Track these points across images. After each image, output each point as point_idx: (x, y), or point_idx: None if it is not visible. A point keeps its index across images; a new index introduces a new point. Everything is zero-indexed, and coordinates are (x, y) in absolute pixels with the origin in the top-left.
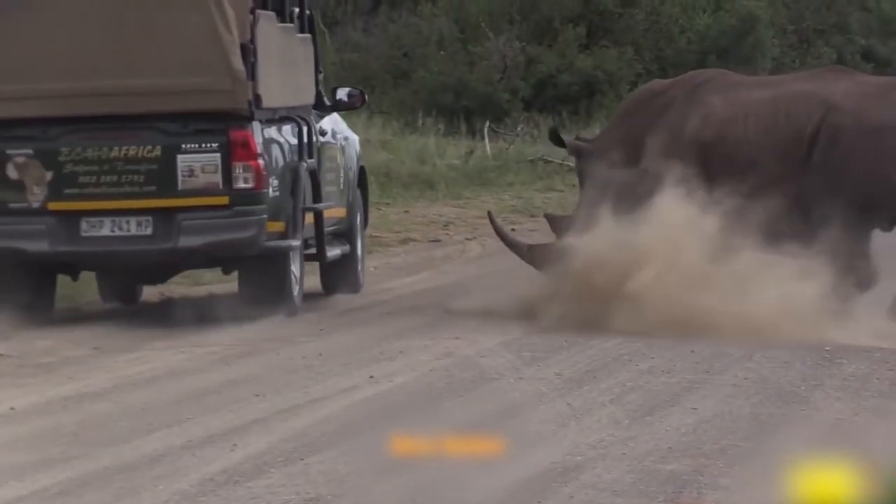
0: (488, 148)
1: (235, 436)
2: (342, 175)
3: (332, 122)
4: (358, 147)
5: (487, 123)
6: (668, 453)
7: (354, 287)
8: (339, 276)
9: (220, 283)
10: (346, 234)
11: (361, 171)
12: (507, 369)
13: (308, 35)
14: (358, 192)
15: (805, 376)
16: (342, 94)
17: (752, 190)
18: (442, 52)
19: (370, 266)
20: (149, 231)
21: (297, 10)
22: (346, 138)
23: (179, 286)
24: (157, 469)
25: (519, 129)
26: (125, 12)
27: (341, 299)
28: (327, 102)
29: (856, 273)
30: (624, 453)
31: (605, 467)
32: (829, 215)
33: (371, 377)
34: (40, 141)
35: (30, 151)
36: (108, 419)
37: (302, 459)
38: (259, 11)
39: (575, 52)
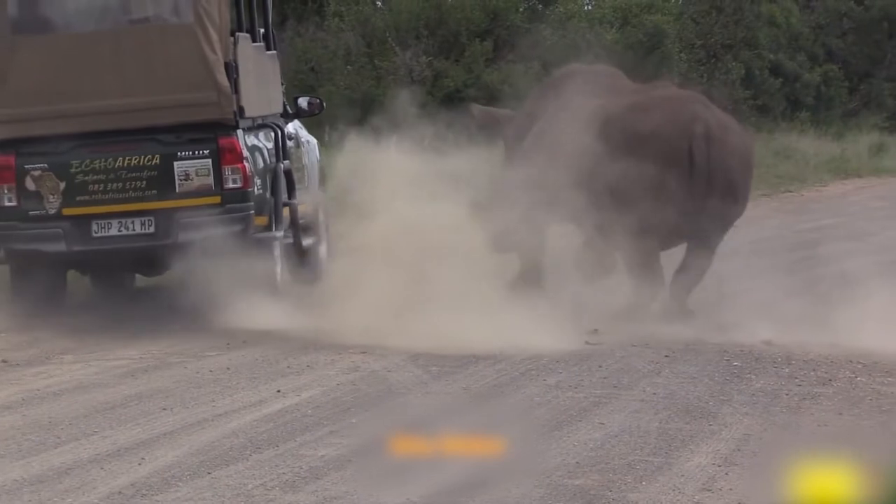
0: None
1: (143, 449)
2: (306, 174)
3: (295, 128)
4: (317, 150)
5: (394, 138)
6: (575, 468)
7: (316, 276)
8: (303, 265)
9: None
10: (311, 227)
11: (321, 170)
12: (414, 384)
13: (274, 52)
14: (319, 190)
15: (713, 392)
16: (303, 102)
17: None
18: (349, 67)
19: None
20: (151, 229)
21: (262, 30)
22: (307, 142)
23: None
24: (66, 482)
25: (426, 143)
26: (124, 40)
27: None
28: (290, 110)
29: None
30: (532, 468)
31: (513, 482)
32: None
33: (278, 391)
34: (54, 156)
35: (45, 165)
36: (16, 432)
37: (209, 473)
38: (238, 34)
39: (482, 67)
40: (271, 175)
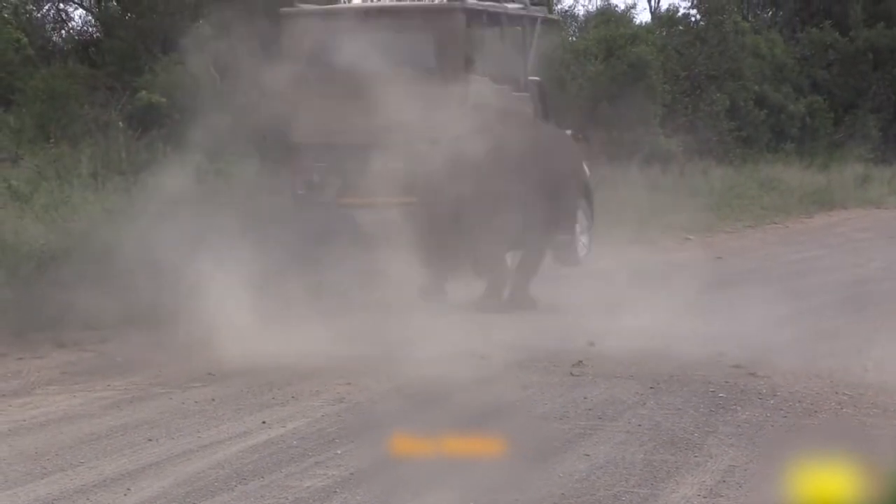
0: None
1: (129, 480)
2: None
3: None
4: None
5: None
6: (560, 499)
7: (573, 262)
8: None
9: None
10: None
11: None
12: (399, 415)
13: (525, 94)
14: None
15: (699, 423)
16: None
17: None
18: None
19: None
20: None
21: (523, 78)
22: None
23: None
24: None
25: None
26: (387, 77)
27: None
28: None
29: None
30: (517, 499)
31: None
32: None
33: (263, 422)
34: (332, 158)
35: (325, 165)
36: (2, 463)
37: None
38: (474, 77)
39: None
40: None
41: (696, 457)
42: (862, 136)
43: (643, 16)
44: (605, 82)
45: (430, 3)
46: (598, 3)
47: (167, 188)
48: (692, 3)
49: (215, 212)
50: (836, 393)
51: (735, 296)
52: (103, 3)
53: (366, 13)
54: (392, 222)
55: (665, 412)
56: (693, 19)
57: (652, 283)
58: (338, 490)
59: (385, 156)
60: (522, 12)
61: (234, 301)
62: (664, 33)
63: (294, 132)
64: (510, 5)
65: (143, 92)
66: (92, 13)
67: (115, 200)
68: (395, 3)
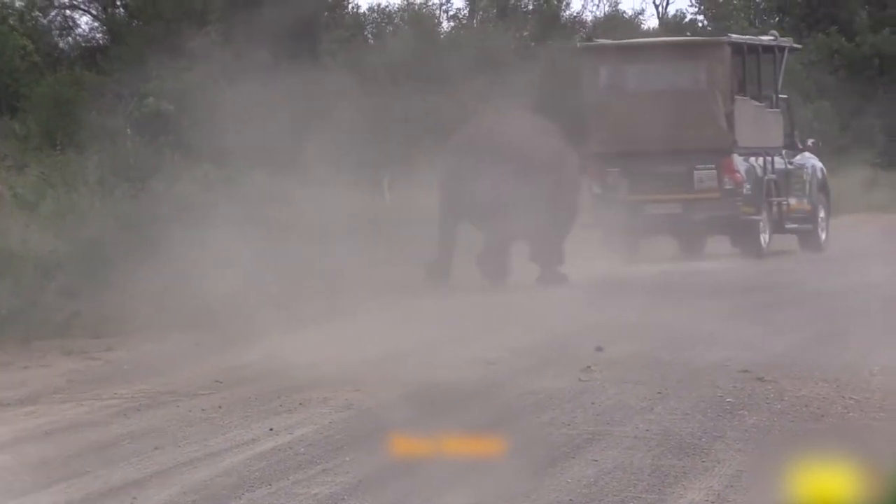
0: None
1: (135, 489)
2: (806, 186)
3: (804, 157)
4: (820, 171)
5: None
6: None
7: (818, 250)
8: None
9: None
10: (808, 218)
11: (824, 183)
12: (407, 422)
13: (777, 109)
14: (820, 195)
15: (706, 428)
16: (809, 142)
17: None
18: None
19: None
20: (679, 210)
21: (775, 95)
22: (813, 165)
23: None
24: None
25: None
26: (668, 98)
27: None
28: (799, 146)
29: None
30: None
31: None
32: None
33: (271, 429)
34: (623, 164)
35: (618, 169)
36: (8, 472)
37: None
38: (737, 97)
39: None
40: (759, 183)
41: (703, 462)
42: (868, 141)
43: (651, 22)
44: None
45: (702, 38)
46: (607, 8)
47: (178, 195)
48: (699, 9)
49: (224, 220)
50: (843, 397)
51: (741, 302)
52: (110, 10)
53: (651, 47)
54: (672, 214)
55: (673, 417)
56: (700, 25)
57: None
58: (346, 497)
59: (667, 161)
60: (773, 43)
61: (245, 306)
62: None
63: (591, 144)
64: (763, 37)
65: (151, 98)
66: (99, 20)
67: (123, 207)
68: (673, 38)
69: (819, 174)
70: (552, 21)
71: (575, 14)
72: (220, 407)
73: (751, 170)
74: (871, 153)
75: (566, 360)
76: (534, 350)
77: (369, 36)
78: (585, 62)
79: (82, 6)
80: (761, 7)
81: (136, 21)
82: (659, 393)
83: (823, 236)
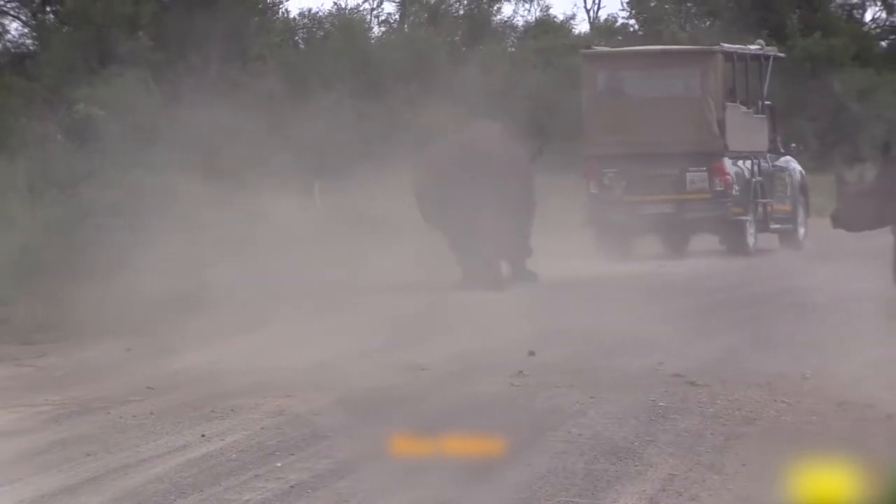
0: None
1: (67, 496)
2: (788, 187)
3: (786, 160)
4: (800, 173)
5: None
6: None
7: (796, 247)
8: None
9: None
10: (788, 219)
11: (803, 185)
12: (340, 427)
13: (762, 115)
14: (800, 196)
15: (639, 432)
16: (790, 146)
17: None
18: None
19: None
20: (671, 210)
21: (761, 102)
22: (793, 168)
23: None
24: None
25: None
26: (662, 103)
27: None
28: (782, 150)
29: None
30: None
31: None
32: None
33: (203, 435)
34: (619, 165)
35: (614, 171)
36: None
37: None
38: (728, 103)
39: (406, 109)
40: (747, 185)
41: (636, 466)
42: (801, 145)
43: (582, 27)
44: (544, 91)
45: (696, 47)
46: (538, 13)
47: (108, 201)
48: (630, 14)
49: (155, 226)
50: (775, 401)
51: (672, 306)
52: (39, 16)
53: (647, 54)
54: (665, 214)
55: (605, 421)
56: (632, 29)
57: None
58: (277, 503)
59: (661, 163)
60: (760, 52)
61: (176, 312)
62: (602, 44)
63: (588, 146)
64: (751, 47)
65: (81, 104)
66: (28, 25)
67: (53, 213)
68: (668, 47)
69: (798, 176)
70: (483, 26)
71: (506, 19)
72: (151, 413)
73: (739, 172)
74: (804, 157)
75: (499, 366)
76: (467, 355)
77: (300, 41)
78: (584, 68)
79: (11, 12)
80: (692, 11)
81: (65, 27)
82: (592, 397)
83: (802, 235)
